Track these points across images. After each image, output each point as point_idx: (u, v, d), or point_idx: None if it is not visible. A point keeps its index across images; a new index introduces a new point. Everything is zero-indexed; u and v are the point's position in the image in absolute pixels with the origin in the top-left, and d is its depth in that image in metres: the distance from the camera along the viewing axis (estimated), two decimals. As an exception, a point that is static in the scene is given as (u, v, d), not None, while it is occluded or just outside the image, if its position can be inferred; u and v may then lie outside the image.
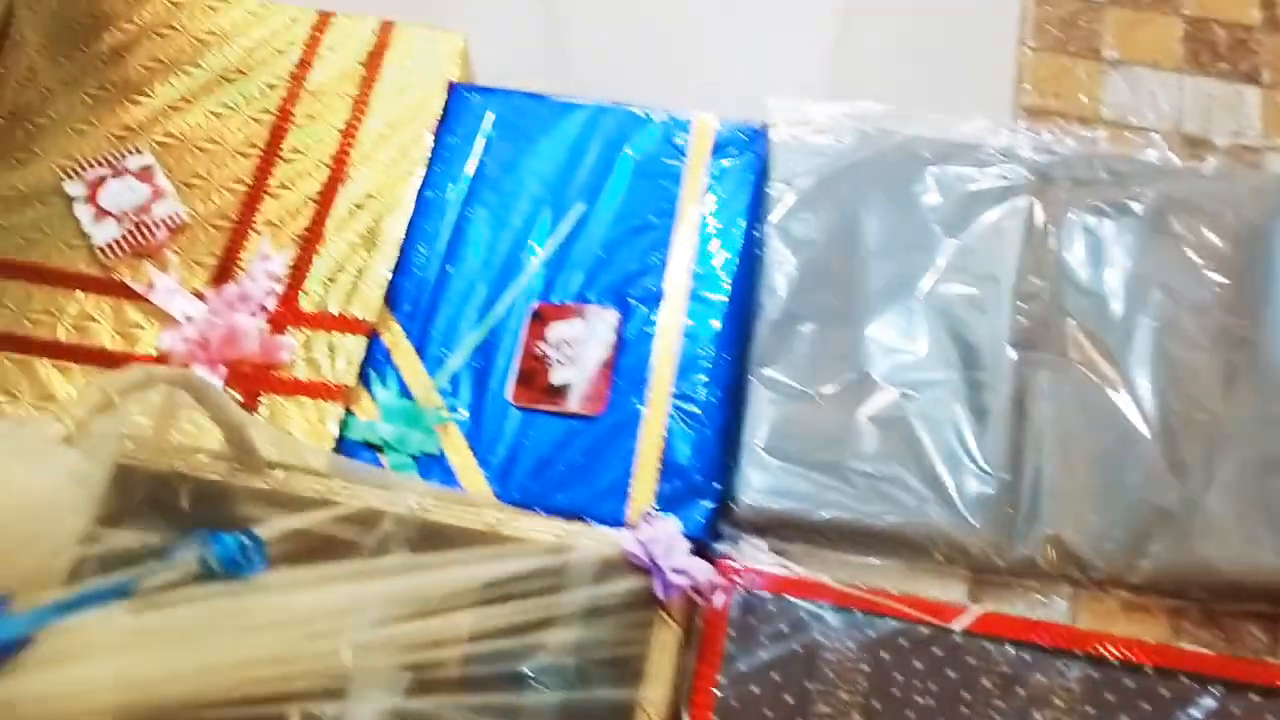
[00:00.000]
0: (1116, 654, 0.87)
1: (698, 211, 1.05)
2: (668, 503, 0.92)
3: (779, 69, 1.23)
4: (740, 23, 1.28)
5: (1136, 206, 1.11)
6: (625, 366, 0.98)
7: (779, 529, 0.96)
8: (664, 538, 0.82)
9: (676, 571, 0.81)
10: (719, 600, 0.86)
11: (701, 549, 0.91)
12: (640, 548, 0.81)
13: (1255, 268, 1.08)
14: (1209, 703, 0.85)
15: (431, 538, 0.84)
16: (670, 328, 0.99)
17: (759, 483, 0.96)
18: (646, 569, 0.81)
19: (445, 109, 1.12)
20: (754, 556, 0.92)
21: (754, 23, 1.28)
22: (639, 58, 1.25)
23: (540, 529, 0.85)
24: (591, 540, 0.84)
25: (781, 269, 1.07)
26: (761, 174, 1.09)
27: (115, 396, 0.59)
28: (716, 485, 0.93)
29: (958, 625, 0.88)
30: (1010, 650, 0.88)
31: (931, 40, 1.28)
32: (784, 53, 1.26)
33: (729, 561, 0.92)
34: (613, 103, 1.11)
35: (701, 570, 0.82)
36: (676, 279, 1.01)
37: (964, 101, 1.22)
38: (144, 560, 0.67)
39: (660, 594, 0.81)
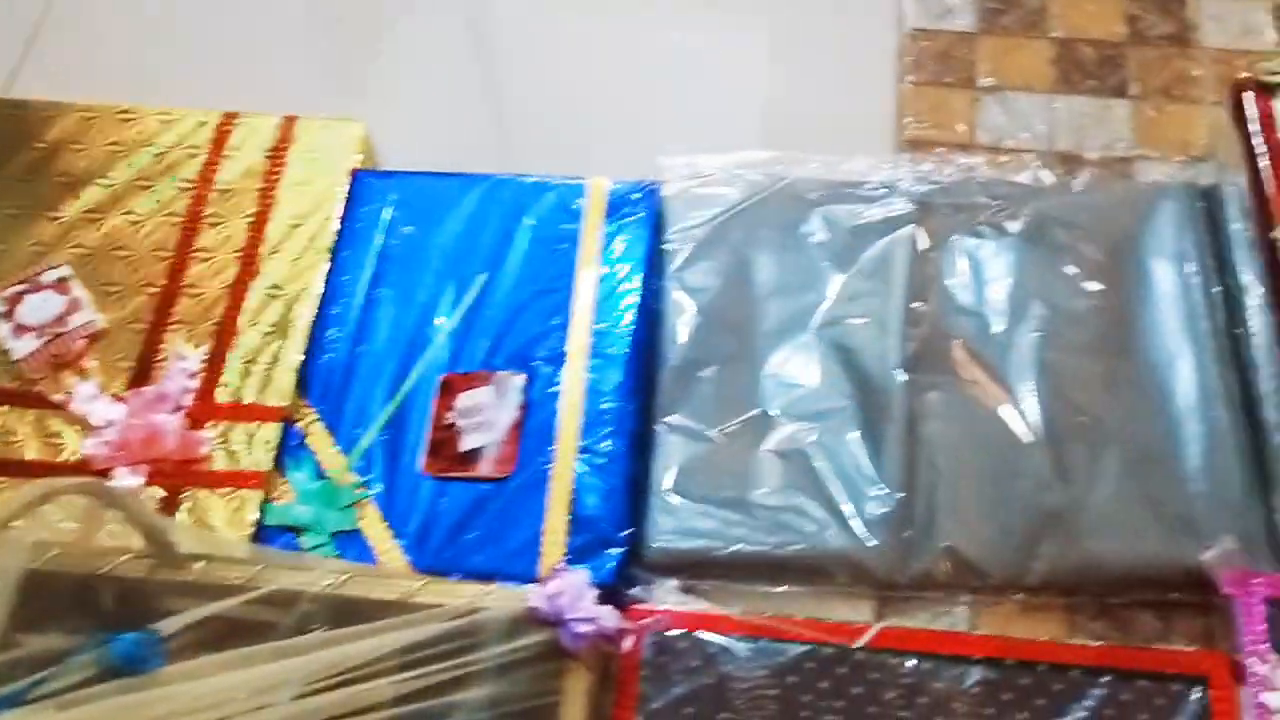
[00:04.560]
0: (1010, 655, 0.91)
1: (595, 272, 1.10)
2: (578, 554, 0.96)
3: (670, 127, 1.28)
4: (631, 88, 1.34)
5: (1013, 226, 1.17)
6: (533, 427, 1.02)
7: (690, 568, 1.00)
8: (570, 590, 0.87)
9: (582, 621, 0.85)
10: (628, 644, 0.90)
11: (614, 595, 0.96)
12: (545, 602, 0.85)
13: (1128, 272, 1.14)
14: (1099, 693, 0.90)
15: (349, 613, 0.88)
16: (573, 386, 1.04)
17: (667, 526, 1.01)
18: (553, 622, 0.86)
19: (349, 196, 1.17)
20: (666, 598, 0.96)
21: (643, 86, 1.33)
22: (536, 130, 1.31)
23: (452, 593, 0.89)
24: (501, 599, 0.88)
25: (682, 318, 1.12)
26: (656, 229, 1.14)
27: (9, 517, 0.63)
28: (625, 533, 0.98)
29: (859, 643, 0.92)
30: (912, 662, 0.92)
31: (815, 84, 1.34)
32: (674, 111, 1.31)
33: (641, 605, 0.96)
34: (510, 174, 1.16)
35: (608, 617, 0.87)
36: (578, 338, 1.06)
37: (850, 140, 1.28)
38: (57, 663, 0.71)
39: (568, 645, 0.85)
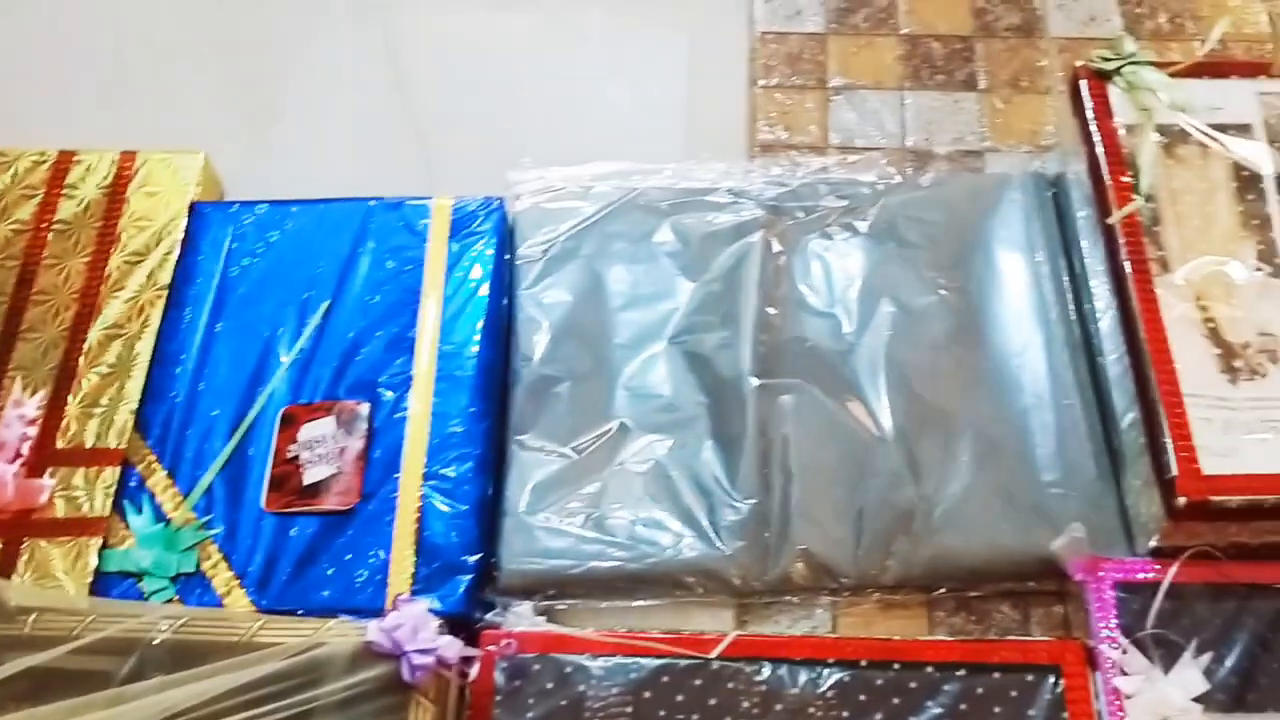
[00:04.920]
0: (864, 656, 0.91)
1: (440, 293, 1.08)
2: (426, 583, 0.94)
3: (524, 141, 1.27)
4: (479, 103, 1.32)
5: (862, 225, 1.17)
6: (378, 456, 1.00)
7: (546, 588, 0.99)
8: (410, 621, 0.85)
9: (421, 653, 0.83)
10: (473, 672, 0.89)
11: (466, 622, 0.94)
12: (382, 635, 0.84)
13: (978, 264, 1.15)
14: (954, 688, 0.90)
15: (189, 658, 0.86)
16: (419, 411, 1.02)
17: (520, 547, 0.99)
18: (392, 655, 0.84)
19: (189, 229, 1.14)
20: (521, 620, 0.94)
21: (492, 101, 1.32)
22: (384, 151, 1.29)
23: (293, 630, 0.87)
24: (340, 634, 0.86)
25: (534, 335, 1.11)
26: (503, 246, 1.13)
27: None
28: (475, 558, 0.96)
29: (714, 654, 0.91)
30: (767, 669, 0.92)
31: (668, 92, 1.33)
32: (527, 124, 1.30)
33: (495, 629, 0.94)
34: (352, 197, 1.14)
35: (448, 647, 0.85)
36: (423, 362, 1.05)
37: (703, 147, 1.28)
38: None
39: (408, 677, 0.83)
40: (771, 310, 1.11)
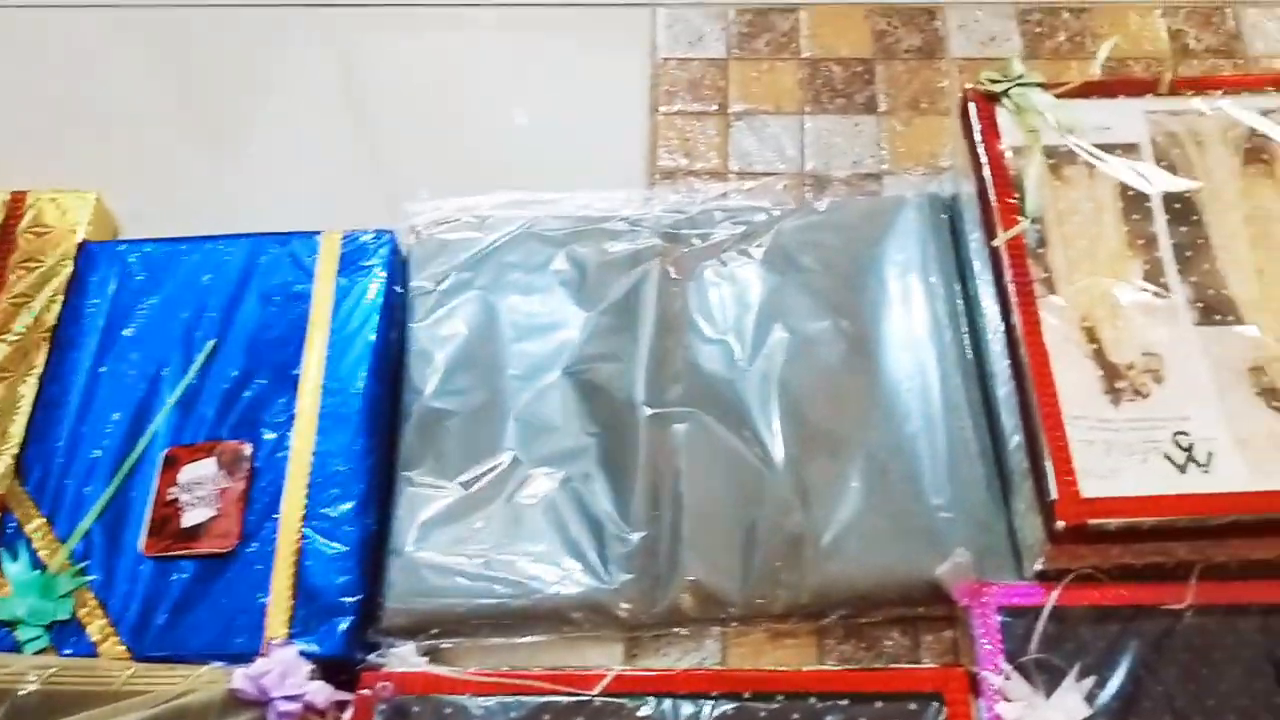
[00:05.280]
0: (747, 688, 0.90)
1: (326, 329, 1.07)
2: (305, 625, 0.93)
3: (420, 173, 1.27)
4: (378, 134, 1.32)
5: (758, 251, 1.17)
6: (259, 497, 0.99)
7: (431, 627, 0.98)
8: (279, 666, 0.84)
9: (288, 699, 0.82)
10: (346, 716, 0.88)
11: (348, 665, 0.93)
12: (248, 682, 0.82)
13: (872, 288, 1.14)
14: (836, 718, 0.89)
15: (57, 709, 0.85)
16: (301, 449, 1.01)
17: (406, 586, 0.98)
18: (259, 702, 0.82)
19: (77, 269, 1.13)
20: (402, 661, 0.93)
21: (387, 135, 1.31)
22: (285, 186, 1.28)
23: (164, 678, 0.86)
24: (210, 681, 0.85)
25: (426, 369, 1.10)
26: (394, 279, 1.12)
27: None
28: (355, 599, 0.95)
29: (596, 690, 0.90)
30: (651, 703, 0.91)
31: (569, 120, 1.33)
32: (425, 155, 1.30)
33: (378, 671, 0.93)
34: (240, 234, 1.13)
35: (319, 692, 0.84)
36: (306, 399, 1.03)
37: (604, 175, 1.27)
38: None
39: (275, 724, 0.82)
40: (666, 339, 1.11)
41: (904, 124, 1.32)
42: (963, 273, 1.15)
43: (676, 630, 1.00)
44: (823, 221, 1.19)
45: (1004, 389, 1.04)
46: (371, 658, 0.95)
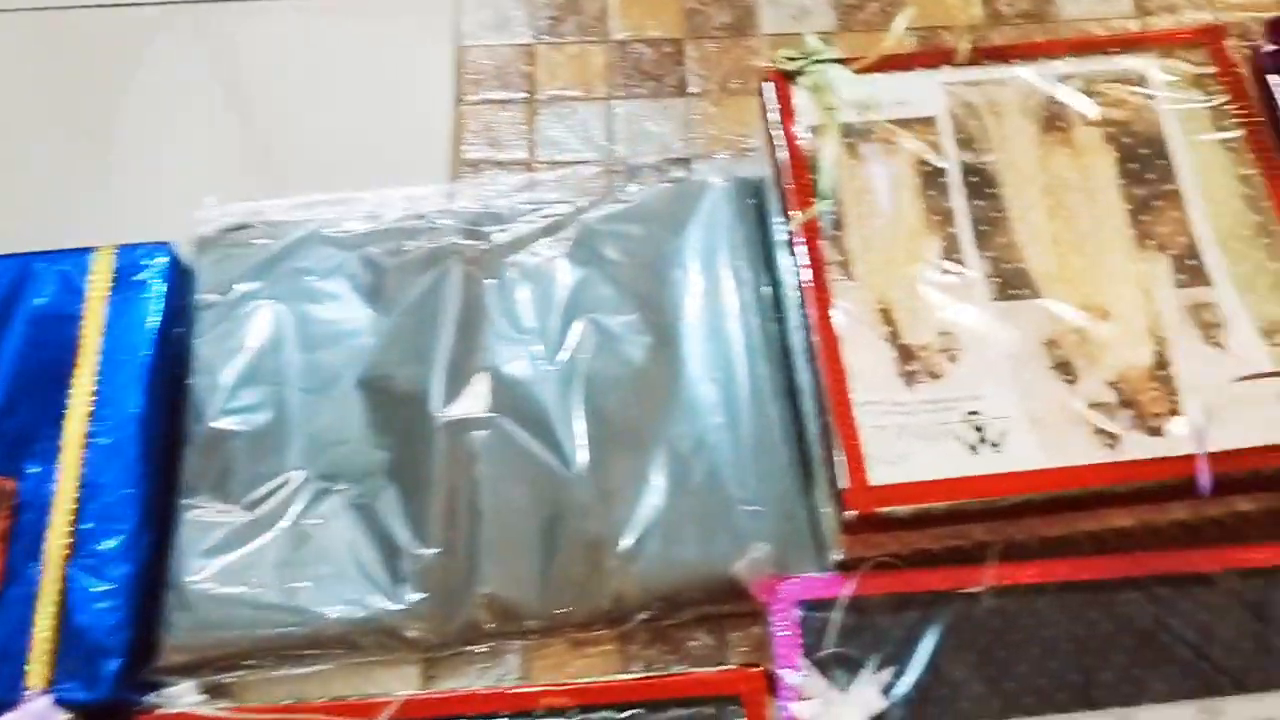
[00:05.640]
0: (537, 705, 0.87)
1: (96, 352, 1.01)
2: (70, 670, 0.88)
3: (206, 178, 1.20)
4: (157, 141, 1.25)
5: (563, 244, 1.13)
6: (23, 535, 0.94)
7: (214, 662, 0.93)
8: (30, 718, 0.78)
9: (37, 754, 0.77)
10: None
11: (121, 709, 0.88)
12: (-9, 739, 0.77)
13: (677, 277, 1.11)
14: (626, 731, 0.86)
15: None
16: (66, 483, 0.95)
17: (184, 621, 0.94)
18: (3, 760, 0.77)
19: None
20: (177, 701, 0.89)
21: (168, 138, 1.25)
22: (73, 200, 1.21)
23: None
24: (-46, 740, 0.79)
25: (209, 389, 1.05)
26: (174, 294, 1.06)
27: None
28: (124, 639, 0.90)
29: (381, 718, 0.87)
30: (445, 729, 0.87)
31: (367, 114, 1.27)
32: (209, 160, 1.23)
33: (151, 713, 0.88)
34: (3, 255, 1.07)
35: (74, 743, 0.79)
36: (73, 428, 0.98)
37: (406, 170, 1.22)
38: None
39: (23, 781, 0.77)
40: (466, 341, 1.06)
41: (715, 104, 1.29)
42: (769, 258, 1.12)
43: (475, 647, 0.96)
44: (628, 211, 1.16)
45: (804, 375, 1.02)
46: (149, 699, 0.89)
